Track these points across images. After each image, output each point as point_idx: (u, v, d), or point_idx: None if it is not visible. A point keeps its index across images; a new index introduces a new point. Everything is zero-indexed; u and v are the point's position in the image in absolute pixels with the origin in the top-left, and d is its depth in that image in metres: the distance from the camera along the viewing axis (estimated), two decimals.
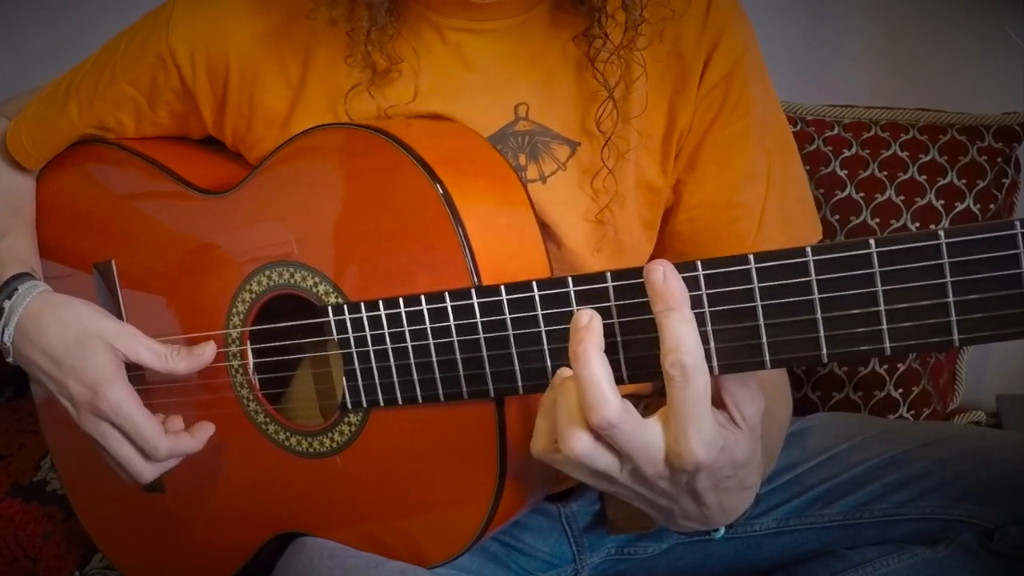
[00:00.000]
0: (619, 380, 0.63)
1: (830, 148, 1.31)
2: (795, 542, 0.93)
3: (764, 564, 0.95)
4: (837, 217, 1.28)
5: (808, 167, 1.30)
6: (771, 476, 0.95)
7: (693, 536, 0.73)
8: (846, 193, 1.28)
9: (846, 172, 1.29)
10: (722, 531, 0.71)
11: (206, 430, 0.90)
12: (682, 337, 0.58)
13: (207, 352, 0.88)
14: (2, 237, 0.97)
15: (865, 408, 1.25)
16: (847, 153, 1.30)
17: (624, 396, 0.60)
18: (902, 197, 1.26)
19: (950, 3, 1.41)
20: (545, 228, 0.84)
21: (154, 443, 0.86)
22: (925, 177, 1.26)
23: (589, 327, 0.60)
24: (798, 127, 1.33)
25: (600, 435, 0.60)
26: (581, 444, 0.60)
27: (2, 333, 0.90)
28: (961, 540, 0.85)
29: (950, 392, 1.33)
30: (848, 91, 1.42)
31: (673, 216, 0.91)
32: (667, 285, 0.59)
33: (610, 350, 0.62)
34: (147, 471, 0.88)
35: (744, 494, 0.68)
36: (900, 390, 1.25)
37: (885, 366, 1.24)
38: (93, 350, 0.86)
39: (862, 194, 1.27)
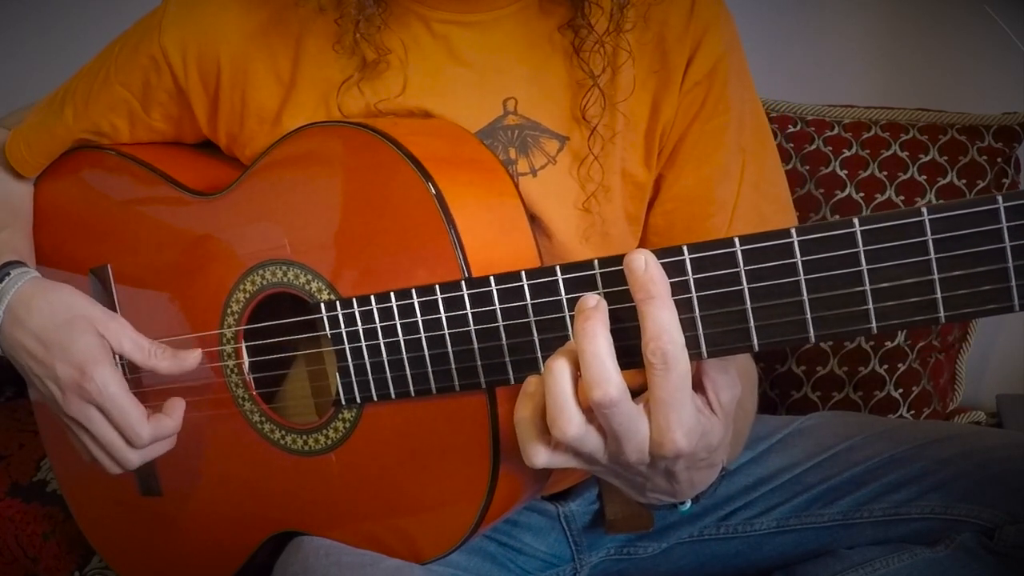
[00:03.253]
0: None
1: (830, 148, 1.30)
2: (795, 542, 0.93)
3: (764, 564, 0.95)
4: (837, 217, 1.27)
5: (808, 167, 1.30)
6: (771, 476, 0.95)
7: (660, 508, 0.73)
8: (846, 193, 1.28)
9: (846, 172, 1.29)
10: (688, 504, 0.72)
11: (178, 406, 0.89)
12: (663, 325, 0.58)
13: (190, 358, 0.88)
14: None
15: (865, 408, 1.25)
16: (847, 153, 1.30)
17: None
18: (902, 197, 1.26)
19: (950, 3, 1.41)
20: (535, 221, 0.84)
21: (138, 429, 0.86)
22: (925, 177, 1.26)
23: (598, 307, 0.59)
24: (798, 127, 1.33)
25: (596, 413, 0.59)
26: (573, 427, 0.60)
27: None
28: (961, 540, 0.85)
29: (950, 392, 1.32)
30: (848, 91, 1.42)
31: (650, 208, 0.91)
32: (648, 273, 0.58)
33: None
34: (133, 456, 0.88)
35: (712, 471, 0.68)
36: (900, 390, 1.24)
37: (885, 366, 1.24)
38: (81, 331, 0.87)
39: (862, 194, 1.27)
